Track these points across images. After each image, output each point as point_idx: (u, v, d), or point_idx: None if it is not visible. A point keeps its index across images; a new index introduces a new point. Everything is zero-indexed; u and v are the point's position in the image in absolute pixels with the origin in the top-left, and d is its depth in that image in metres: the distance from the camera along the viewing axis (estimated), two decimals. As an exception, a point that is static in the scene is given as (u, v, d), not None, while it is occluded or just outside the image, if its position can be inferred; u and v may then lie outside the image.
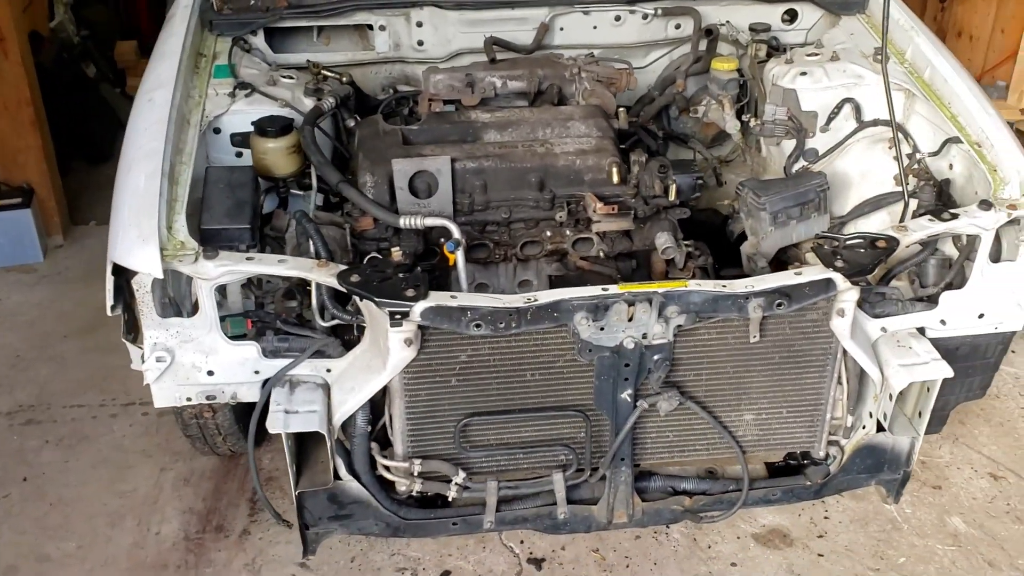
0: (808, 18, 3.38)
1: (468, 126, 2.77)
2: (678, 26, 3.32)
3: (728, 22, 3.29)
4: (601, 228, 2.60)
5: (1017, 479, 3.23)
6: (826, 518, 3.06)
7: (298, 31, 3.22)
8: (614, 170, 2.63)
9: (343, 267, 2.27)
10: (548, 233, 2.68)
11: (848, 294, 2.32)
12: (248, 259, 2.28)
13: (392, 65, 3.30)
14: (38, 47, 4.93)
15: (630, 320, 2.26)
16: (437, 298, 2.20)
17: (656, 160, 2.70)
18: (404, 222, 2.47)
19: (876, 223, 2.81)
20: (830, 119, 3.03)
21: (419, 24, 3.18)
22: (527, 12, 3.18)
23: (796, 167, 3.09)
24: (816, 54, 3.11)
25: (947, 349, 2.56)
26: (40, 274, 4.40)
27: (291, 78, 2.94)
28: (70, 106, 5.18)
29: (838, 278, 2.30)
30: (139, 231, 2.27)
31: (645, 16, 3.24)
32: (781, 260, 2.84)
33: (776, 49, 3.29)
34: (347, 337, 2.45)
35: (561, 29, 3.24)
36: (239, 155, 2.81)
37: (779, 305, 2.29)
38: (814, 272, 2.32)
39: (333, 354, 2.37)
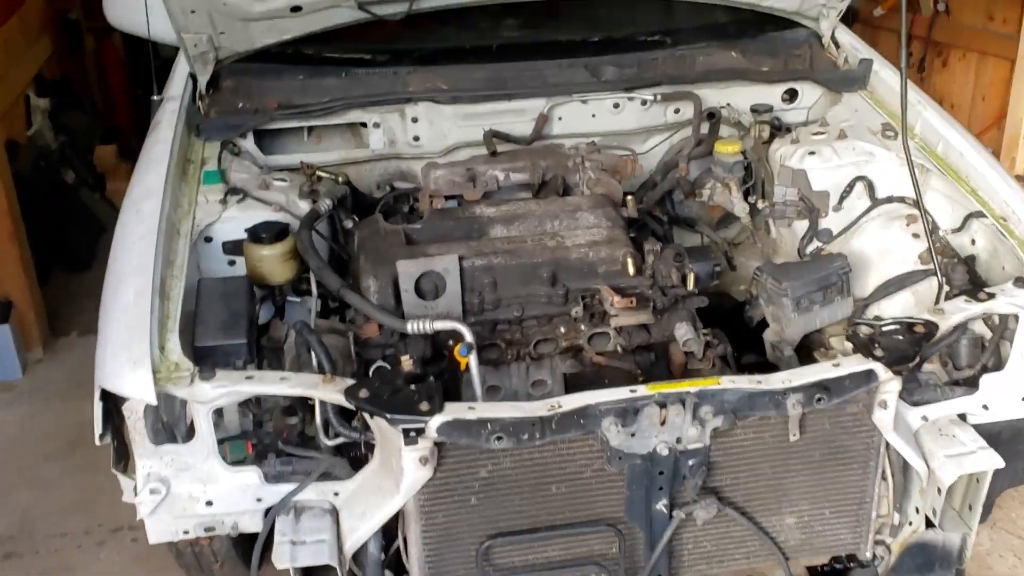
0: (808, 96, 3.31)
1: (473, 222, 2.64)
2: (677, 110, 3.24)
3: (729, 104, 3.22)
4: (619, 323, 2.46)
5: (1063, 564, 3.07)
6: (870, 619, 2.86)
7: (288, 131, 3.11)
8: (629, 261, 2.50)
9: (350, 381, 2.10)
10: (562, 329, 2.54)
11: (890, 384, 2.18)
12: (248, 378, 2.11)
13: (387, 162, 3.19)
14: (15, 155, 4.82)
15: (663, 424, 2.10)
16: (454, 411, 2.04)
17: (670, 248, 2.58)
18: (412, 327, 2.32)
19: (901, 304, 2.69)
20: (842, 198, 2.93)
21: (414, 120, 3.08)
22: (524, 103, 3.09)
23: (810, 248, 2.98)
24: (822, 133, 3.04)
25: (989, 434, 2.41)
26: (19, 391, 4.19)
27: (284, 180, 2.81)
28: (49, 213, 5.04)
29: (879, 368, 2.16)
30: (129, 354, 2.11)
31: (644, 102, 3.16)
32: (803, 345, 2.72)
33: (779, 129, 3.21)
34: (354, 454, 2.27)
35: (560, 119, 3.15)
36: (232, 263, 2.67)
37: (819, 400, 2.15)
38: (853, 363, 2.18)
39: (340, 475, 2.19)
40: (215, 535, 2.23)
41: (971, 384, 2.42)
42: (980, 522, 2.89)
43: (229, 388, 2.09)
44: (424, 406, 2.03)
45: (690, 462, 2.15)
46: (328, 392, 2.08)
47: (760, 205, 3.07)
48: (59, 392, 4.16)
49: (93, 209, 5.55)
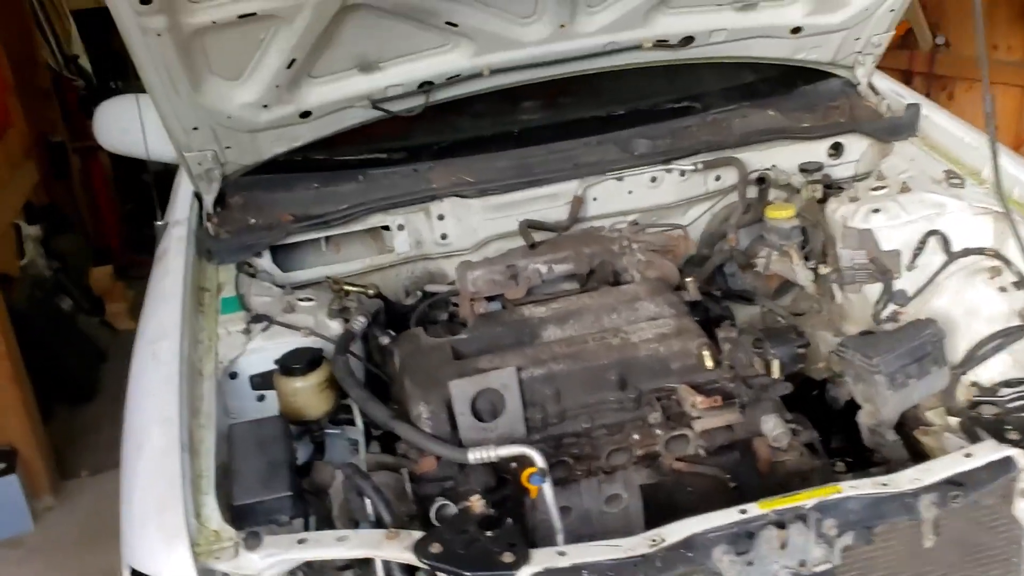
0: (855, 149, 3.09)
1: (523, 325, 2.39)
2: (718, 178, 3.01)
3: (774, 166, 2.99)
4: (704, 425, 2.20)
5: None
6: None
7: (305, 244, 2.87)
8: (705, 354, 2.25)
9: (416, 534, 1.82)
10: (636, 436, 2.27)
11: (1031, 471, 1.91)
12: (300, 542, 1.83)
13: (414, 264, 2.94)
14: (8, 288, 4.58)
15: (783, 548, 1.82)
16: (542, 559, 1.76)
17: (747, 334, 2.33)
18: (474, 457, 2.05)
19: (998, 368, 2.42)
20: (915, 256, 2.69)
21: (440, 217, 2.84)
22: (556, 188, 2.86)
23: (886, 313, 2.72)
24: (882, 187, 2.80)
25: None
26: (30, 546, 3.89)
27: (311, 300, 2.56)
28: (47, 346, 4.79)
29: (1017, 454, 1.89)
30: (162, 527, 1.83)
31: (683, 173, 2.94)
32: (897, 424, 2.45)
33: (830, 188, 2.98)
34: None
35: (594, 199, 2.92)
36: (261, 399, 2.40)
37: (955, 498, 1.87)
38: (987, 451, 1.92)
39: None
40: None
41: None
42: None
43: (280, 557, 1.80)
44: (507, 557, 1.75)
45: (819, 588, 1.86)
46: (395, 550, 1.80)
47: (823, 270, 2.83)
48: (72, 542, 3.87)
49: (92, 336, 5.32)
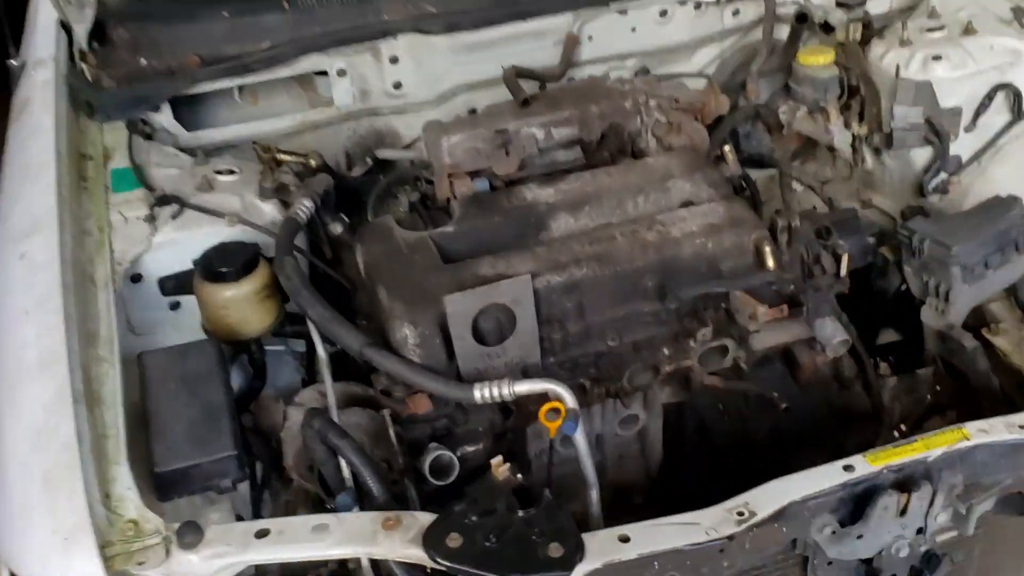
0: (891, -22, 2.55)
1: (527, 213, 1.83)
2: (736, 12, 2.44)
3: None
4: (766, 342, 1.73)
5: None
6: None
7: (213, 94, 2.20)
8: (767, 249, 1.75)
9: (424, 519, 1.32)
10: (666, 351, 1.78)
11: None
12: (259, 535, 1.30)
13: (357, 121, 2.32)
14: None
15: (903, 514, 1.40)
16: (600, 548, 1.29)
17: (807, 220, 1.83)
18: (481, 394, 1.53)
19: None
20: (977, 115, 2.23)
21: (393, 60, 2.21)
22: (544, 22, 2.25)
23: (935, 182, 2.28)
24: (938, 27, 2.29)
25: None
26: None
27: (233, 172, 1.93)
28: None
29: None
30: (53, 519, 1.28)
31: (699, 5, 2.35)
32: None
33: (868, 28, 2.45)
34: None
35: (590, 39, 2.32)
36: (175, 307, 1.82)
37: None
38: None
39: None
40: None
41: None
42: None
43: (231, 559, 1.28)
44: (555, 550, 1.27)
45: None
46: (396, 546, 1.29)
47: (858, 130, 2.34)
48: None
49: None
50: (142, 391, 1.52)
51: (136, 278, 1.77)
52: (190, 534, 1.28)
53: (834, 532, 1.39)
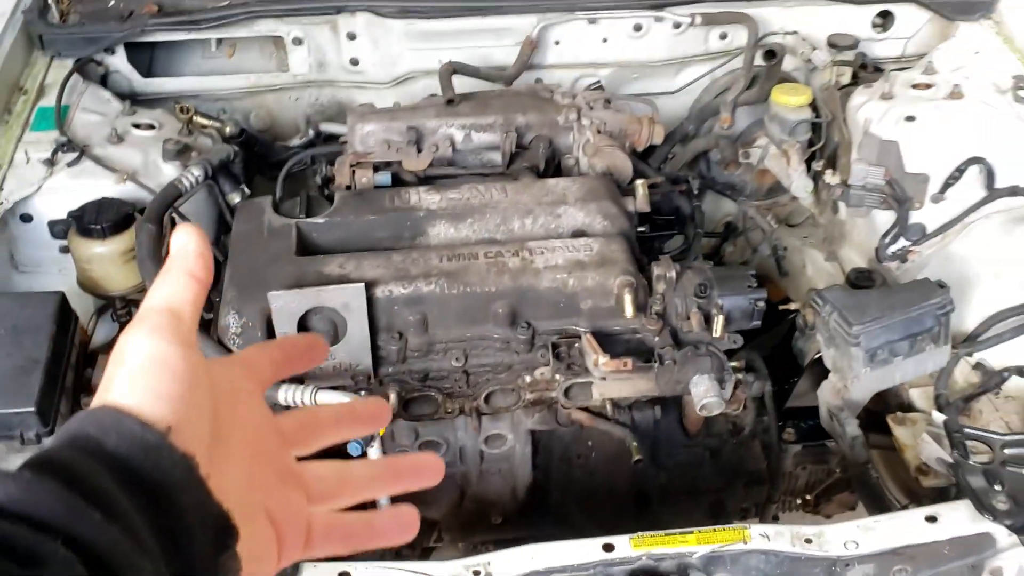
0: (909, 23, 2.37)
1: (405, 217, 1.80)
2: (724, 36, 2.32)
3: (796, 32, 2.29)
4: (605, 392, 1.67)
5: None
6: None
7: (190, 42, 2.25)
8: (627, 296, 1.68)
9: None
10: (528, 379, 1.75)
11: (1013, 553, 1.39)
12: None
13: (320, 89, 2.33)
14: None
15: (652, 606, 1.34)
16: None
17: (692, 273, 1.75)
18: (286, 397, 1.54)
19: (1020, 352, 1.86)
20: (947, 185, 2.05)
21: (351, 36, 2.20)
22: (507, 21, 2.20)
23: (892, 249, 2.13)
24: (927, 85, 2.12)
25: None
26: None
27: (153, 128, 1.98)
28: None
29: (1000, 532, 1.37)
30: None
31: (677, 24, 2.24)
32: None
33: (864, 68, 2.29)
34: None
35: (556, 43, 2.26)
36: (64, 250, 1.88)
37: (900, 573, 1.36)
38: (958, 521, 1.38)
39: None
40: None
41: None
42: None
43: None
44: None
45: (695, 663, 1.39)
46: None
47: (829, 179, 2.20)
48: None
49: None
50: (-24, 333, 1.60)
51: (26, 218, 1.84)
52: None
53: (577, 608, 1.35)
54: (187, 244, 0.66)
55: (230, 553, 0.57)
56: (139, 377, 0.59)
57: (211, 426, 0.61)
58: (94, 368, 1.72)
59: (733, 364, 1.80)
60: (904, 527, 1.39)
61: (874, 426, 1.95)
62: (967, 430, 1.53)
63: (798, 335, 2.10)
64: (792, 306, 2.12)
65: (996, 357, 1.90)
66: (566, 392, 1.75)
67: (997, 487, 1.40)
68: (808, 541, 1.36)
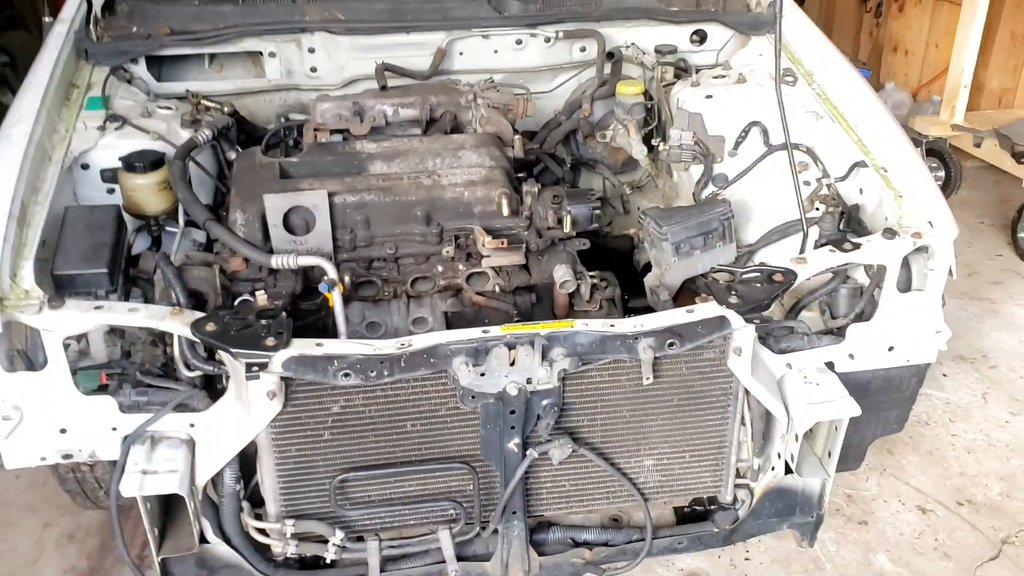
0: (718, 39, 3.27)
1: (352, 157, 2.61)
2: (583, 49, 3.20)
3: (633, 44, 3.17)
4: (491, 263, 2.46)
5: (946, 512, 3.12)
6: (747, 559, 2.92)
7: (190, 59, 3.06)
8: (504, 201, 2.49)
9: (199, 315, 2.10)
10: (440, 268, 2.54)
11: (744, 332, 2.20)
12: (97, 308, 2.10)
13: (286, 93, 3.14)
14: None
15: (512, 364, 2.11)
16: (300, 346, 2.05)
17: (549, 190, 2.56)
18: (277, 262, 2.31)
19: (783, 252, 2.68)
20: (738, 143, 2.91)
21: (311, 50, 3.03)
22: (423, 37, 3.04)
23: (705, 193, 2.97)
24: (723, 76, 3.01)
25: (859, 383, 2.45)
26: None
27: (170, 108, 2.77)
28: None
29: (732, 315, 2.17)
30: (-23, 278, 2.10)
31: (547, 39, 3.11)
32: (690, 290, 2.72)
33: (684, 71, 3.18)
34: (220, 387, 2.28)
35: (461, 54, 3.11)
36: (111, 191, 2.64)
37: (671, 345, 2.16)
38: (706, 309, 2.19)
39: (198, 407, 2.19)
40: (76, 462, 2.25)
41: (841, 334, 2.43)
42: (849, 469, 2.96)
43: (77, 317, 2.08)
44: (270, 341, 2.03)
45: (543, 402, 2.17)
46: (175, 325, 2.08)
47: (660, 148, 3.05)
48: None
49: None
50: (61, 228, 2.34)
51: (85, 166, 2.60)
52: (56, 301, 2.09)
53: (467, 369, 2.10)
54: None
55: None
56: None
57: None
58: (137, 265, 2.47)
59: (592, 275, 2.61)
60: (672, 316, 2.19)
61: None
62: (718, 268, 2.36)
63: (635, 250, 2.92)
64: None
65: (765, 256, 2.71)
66: (467, 279, 2.54)
67: (732, 292, 2.21)
68: (612, 326, 2.15)
